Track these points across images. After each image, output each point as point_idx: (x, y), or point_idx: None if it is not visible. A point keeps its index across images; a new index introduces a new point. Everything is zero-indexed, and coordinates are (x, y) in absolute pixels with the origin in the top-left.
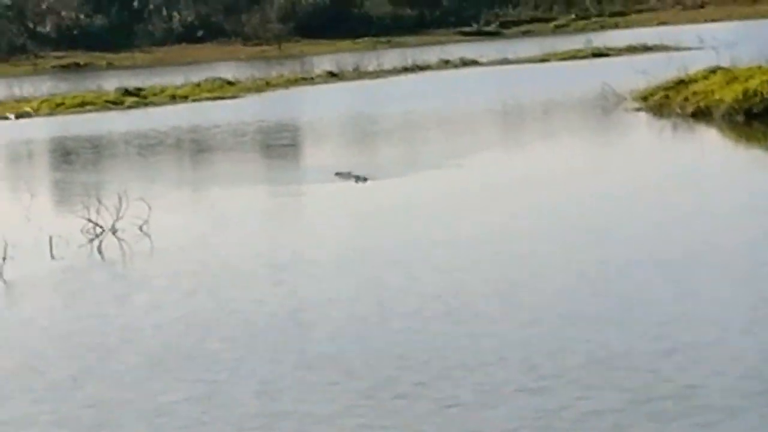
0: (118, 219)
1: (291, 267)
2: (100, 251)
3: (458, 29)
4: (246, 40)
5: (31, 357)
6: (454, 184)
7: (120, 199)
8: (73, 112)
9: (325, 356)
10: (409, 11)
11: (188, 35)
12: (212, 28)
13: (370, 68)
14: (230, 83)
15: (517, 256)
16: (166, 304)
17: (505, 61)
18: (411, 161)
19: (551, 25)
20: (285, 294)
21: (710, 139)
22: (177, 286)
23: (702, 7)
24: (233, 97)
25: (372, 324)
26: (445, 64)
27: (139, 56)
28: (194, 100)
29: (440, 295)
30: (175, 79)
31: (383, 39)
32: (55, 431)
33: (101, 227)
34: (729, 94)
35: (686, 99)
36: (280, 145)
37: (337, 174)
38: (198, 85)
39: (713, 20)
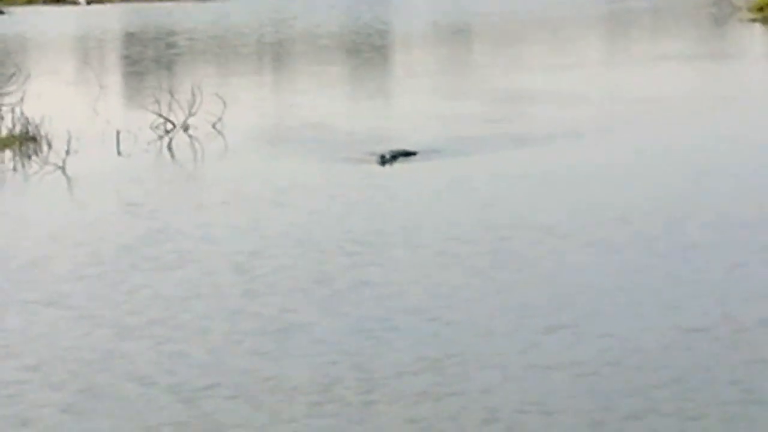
0: (190, 115)
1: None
2: (169, 149)
3: None
4: None
5: (83, 256)
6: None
7: (193, 94)
8: (148, 0)
9: None
10: None
11: None
12: None
13: None
14: None
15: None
16: (245, 207)
17: None
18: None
19: None
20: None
21: None
22: (256, 188)
23: None
24: None
25: None
26: None
27: None
28: None
29: None
30: None
31: None
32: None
33: (172, 123)
34: None
35: None
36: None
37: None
38: None
39: None
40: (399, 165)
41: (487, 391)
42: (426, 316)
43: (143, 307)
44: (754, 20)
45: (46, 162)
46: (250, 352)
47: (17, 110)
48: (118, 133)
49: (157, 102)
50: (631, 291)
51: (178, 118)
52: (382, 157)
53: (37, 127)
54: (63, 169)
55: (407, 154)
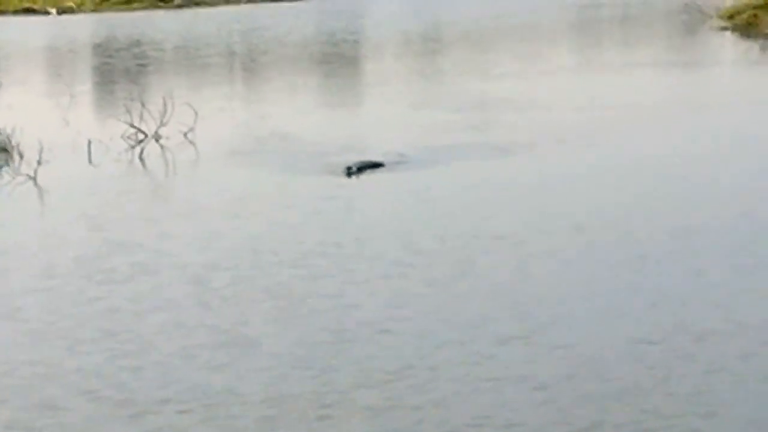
0: (161, 125)
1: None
2: (141, 159)
3: None
4: None
5: (50, 269)
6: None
7: (165, 103)
8: (118, 10)
9: None
10: None
11: None
12: None
13: None
14: None
15: None
16: (208, 218)
17: None
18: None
19: None
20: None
21: None
22: (221, 199)
23: None
24: None
25: None
26: None
27: None
28: (249, 1)
29: None
30: None
31: None
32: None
33: (144, 133)
34: None
35: None
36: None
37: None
38: None
39: None
40: (365, 176)
41: (443, 404)
42: (382, 328)
43: (97, 320)
44: (724, 28)
45: (17, 172)
46: (204, 365)
47: None
48: (89, 143)
49: (129, 112)
50: (588, 301)
51: (150, 127)
52: (349, 168)
53: (8, 137)
54: (34, 179)
55: (374, 165)
